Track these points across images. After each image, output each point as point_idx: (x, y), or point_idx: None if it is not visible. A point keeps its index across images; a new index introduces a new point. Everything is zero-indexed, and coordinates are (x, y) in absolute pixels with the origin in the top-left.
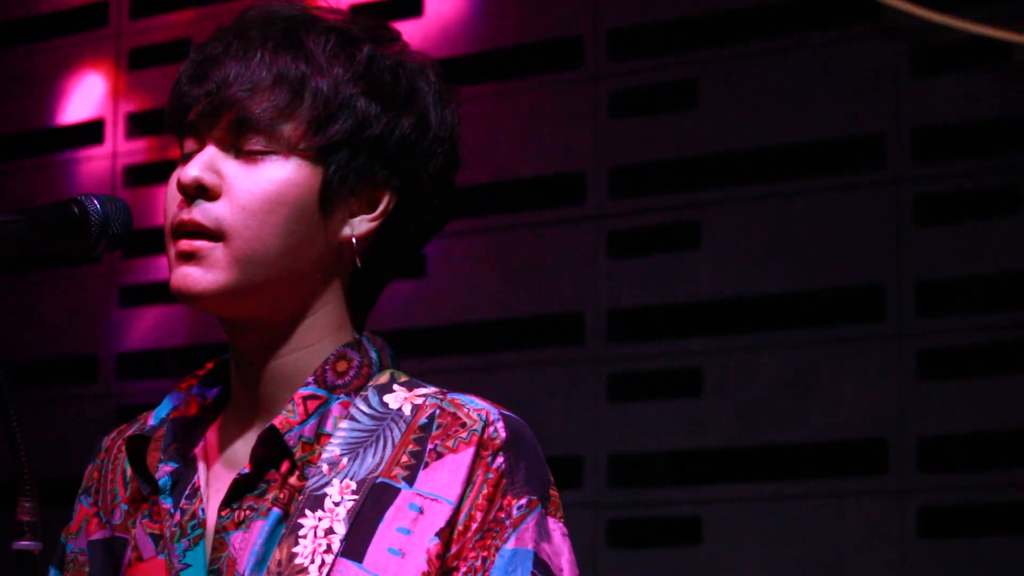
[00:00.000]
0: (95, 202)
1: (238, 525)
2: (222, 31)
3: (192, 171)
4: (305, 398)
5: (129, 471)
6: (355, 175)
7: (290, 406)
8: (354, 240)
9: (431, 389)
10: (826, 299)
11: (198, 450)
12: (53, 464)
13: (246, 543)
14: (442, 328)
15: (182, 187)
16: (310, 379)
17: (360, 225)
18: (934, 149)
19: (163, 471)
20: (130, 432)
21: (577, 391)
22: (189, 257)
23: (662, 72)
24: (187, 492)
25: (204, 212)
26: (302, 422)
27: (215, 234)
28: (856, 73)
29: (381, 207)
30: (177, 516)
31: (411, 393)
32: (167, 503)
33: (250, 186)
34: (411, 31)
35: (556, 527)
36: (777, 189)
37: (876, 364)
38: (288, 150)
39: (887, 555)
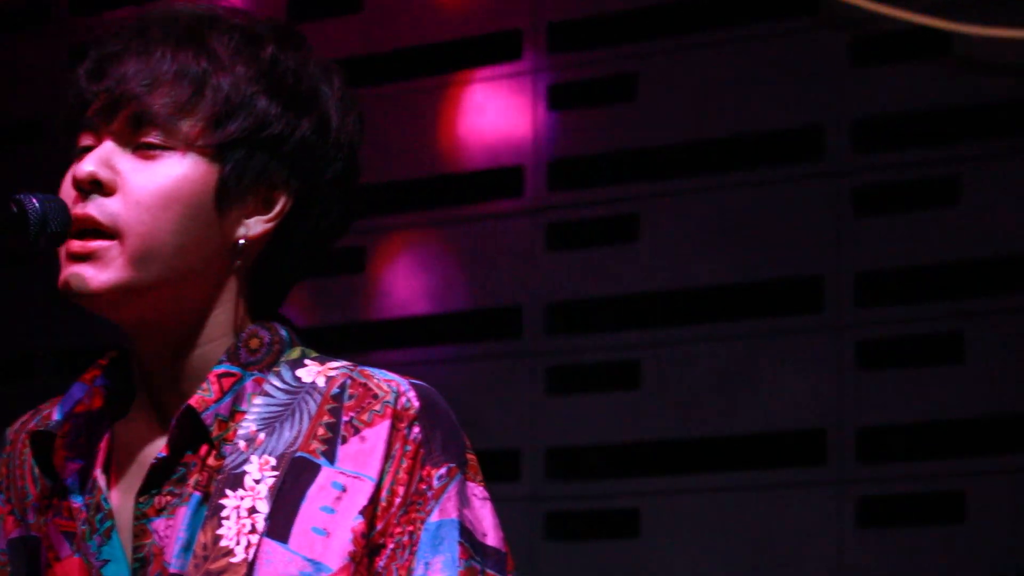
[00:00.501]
0: (33, 201)
1: (159, 512)
2: (123, 28)
3: (87, 166)
4: (220, 376)
5: (36, 468)
6: (252, 174)
7: (205, 385)
8: (242, 241)
9: (342, 362)
10: (765, 291)
11: (103, 444)
12: None
13: (171, 530)
14: (380, 322)
15: (77, 182)
16: (223, 357)
17: (255, 226)
18: (874, 140)
19: (70, 469)
20: (32, 425)
21: (515, 384)
22: (82, 258)
23: (601, 65)
24: (89, 487)
25: (99, 207)
26: (218, 400)
27: (109, 231)
28: (796, 65)
29: (277, 208)
30: (84, 513)
31: (323, 367)
32: (77, 501)
33: (145, 182)
34: (351, 25)
35: (476, 491)
36: (716, 182)
37: (815, 355)
38: (186, 146)
39: (826, 546)
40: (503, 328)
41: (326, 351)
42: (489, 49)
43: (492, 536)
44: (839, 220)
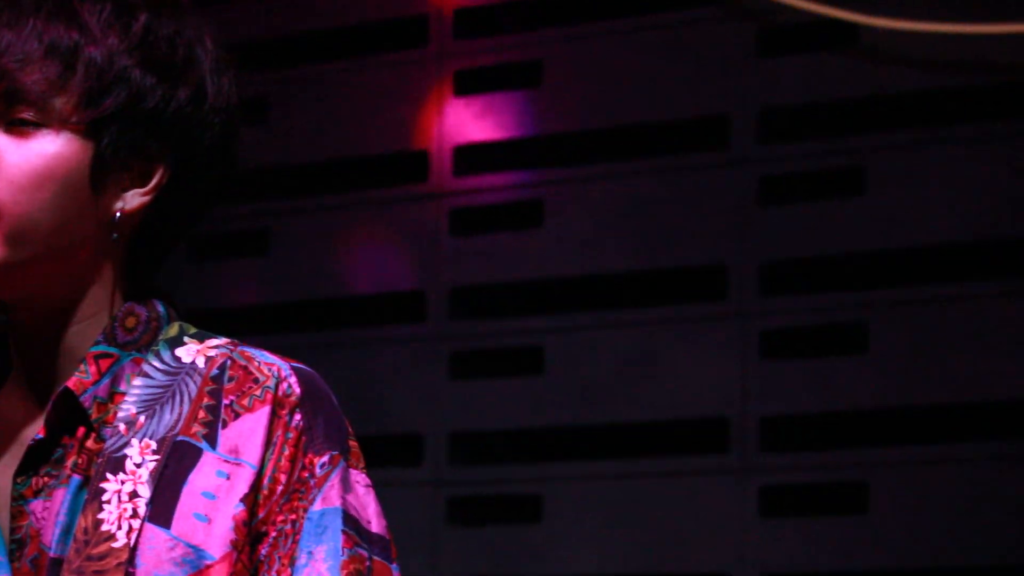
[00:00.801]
0: None
1: (36, 493)
2: None
3: None
4: (96, 357)
5: None
6: (127, 149)
7: (82, 366)
8: (117, 215)
9: (222, 340)
10: (670, 278)
11: None
12: None
13: (48, 512)
14: (284, 305)
15: None
16: (99, 337)
17: (132, 199)
18: (779, 130)
19: None
20: None
21: (419, 369)
22: None
23: (507, 51)
24: None
25: None
26: (96, 382)
27: None
28: (702, 54)
29: (154, 181)
30: None
31: (203, 345)
32: None
33: (19, 160)
34: (258, 8)
35: (359, 478)
36: (621, 169)
37: (719, 343)
38: (59, 124)
39: (729, 534)
40: (407, 312)
41: (231, 335)
42: (396, 34)
43: (376, 523)
44: (744, 209)
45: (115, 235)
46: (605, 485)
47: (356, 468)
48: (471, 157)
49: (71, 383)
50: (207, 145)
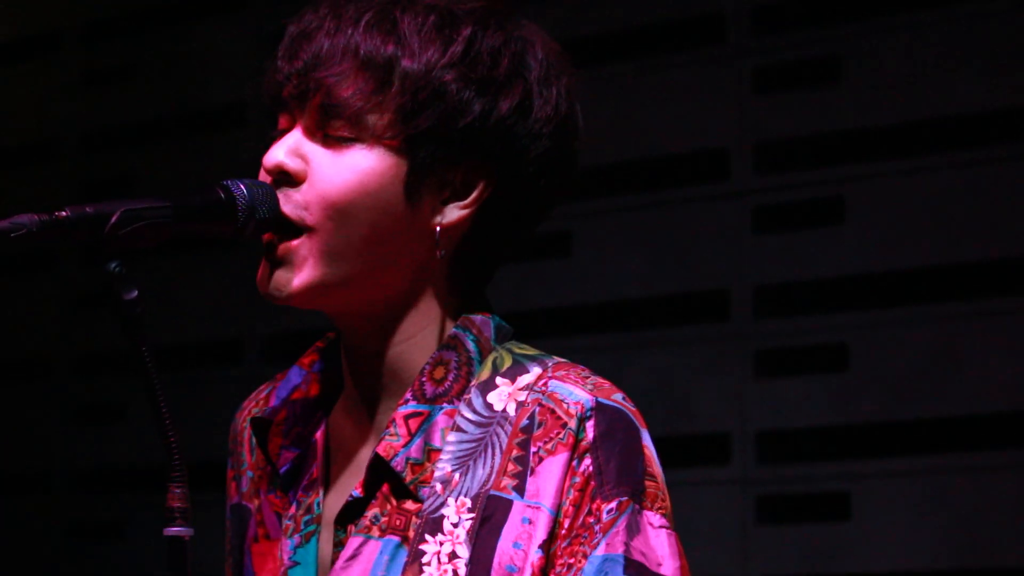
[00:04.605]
0: (241, 187)
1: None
2: (319, 4)
3: (276, 155)
4: (406, 417)
5: (254, 440)
6: (444, 164)
7: (392, 428)
8: (438, 229)
9: (533, 375)
10: (972, 272)
11: (319, 435)
12: (200, 448)
13: (360, 566)
14: (587, 307)
15: (266, 170)
16: (408, 395)
17: (451, 213)
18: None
19: (284, 458)
20: (252, 406)
21: (724, 368)
22: (274, 261)
23: (805, 47)
24: (304, 483)
25: (288, 200)
26: (406, 444)
27: (298, 223)
28: (997, 47)
29: (474, 194)
30: (292, 508)
31: (514, 387)
32: (289, 494)
33: (333, 175)
34: (555, 10)
35: (653, 519)
36: (922, 163)
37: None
38: (374, 139)
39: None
40: (711, 312)
41: (534, 337)
42: (694, 33)
43: (669, 565)
44: None
45: (442, 251)
46: (913, 481)
47: (651, 509)
48: (773, 154)
49: (381, 448)
50: (534, 156)
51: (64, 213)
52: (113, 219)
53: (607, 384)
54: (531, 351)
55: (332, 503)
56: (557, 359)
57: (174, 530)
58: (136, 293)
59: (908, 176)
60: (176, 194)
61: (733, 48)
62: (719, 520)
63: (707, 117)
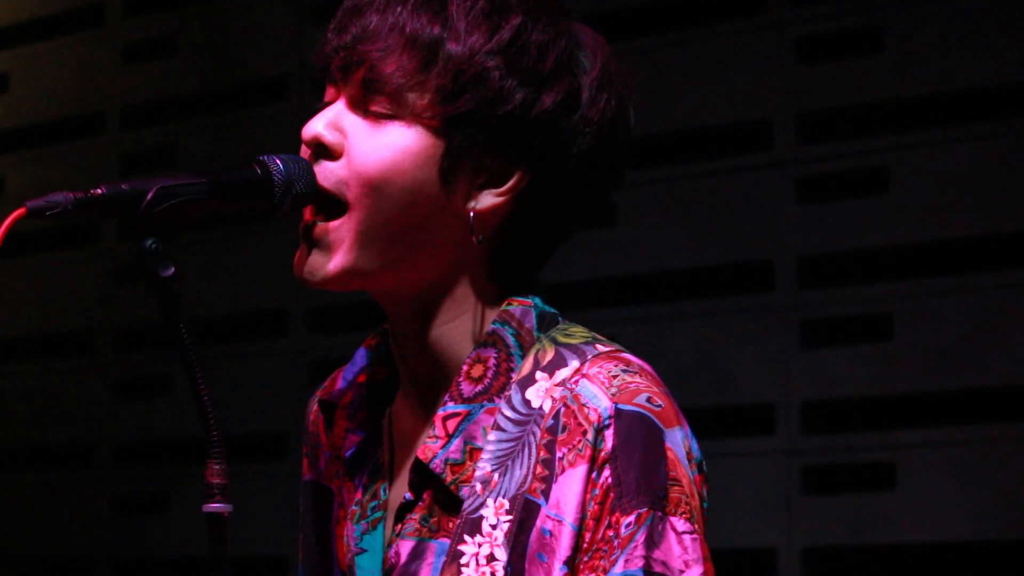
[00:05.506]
0: (277, 162)
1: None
2: None
3: (315, 127)
4: (444, 419)
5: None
6: (481, 149)
7: (431, 430)
8: (472, 214)
9: (571, 368)
10: (1016, 242)
11: (385, 423)
12: (244, 422)
13: (413, 562)
14: (631, 277)
15: (304, 141)
16: (446, 397)
17: (485, 199)
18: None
19: (350, 441)
20: (321, 390)
21: (768, 338)
22: (311, 242)
23: (846, 17)
24: (370, 468)
25: (324, 174)
26: (444, 445)
27: (337, 198)
28: None
29: (511, 183)
30: (359, 493)
31: (551, 382)
32: (355, 480)
33: (369, 150)
34: None
35: (678, 524)
36: (965, 132)
37: None
38: (412, 117)
39: None
40: (755, 282)
41: (578, 308)
42: (734, 4)
43: (694, 570)
44: None
45: (479, 237)
46: (957, 451)
47: (675, 514)
48: (815, 124)
49: (419, 453)
50: (575, 152)
51: (100, 191)
52: (148, 196)
53: (634, 383)
54: (576, 337)
55: (396, 491)
56: (600, 347)
57: (213, 506)
58: (173, 270)
59: (952, 145)
60: (212, 170)
61: (775, 18)
62: (764, 490)
63: (749, 88)
